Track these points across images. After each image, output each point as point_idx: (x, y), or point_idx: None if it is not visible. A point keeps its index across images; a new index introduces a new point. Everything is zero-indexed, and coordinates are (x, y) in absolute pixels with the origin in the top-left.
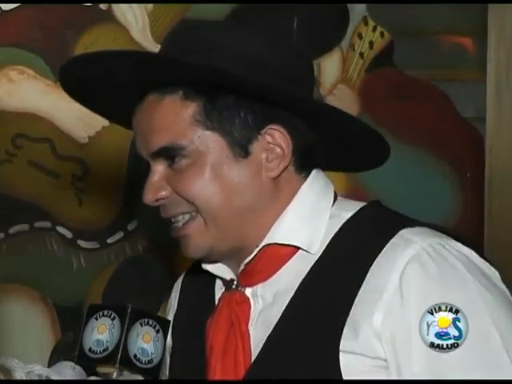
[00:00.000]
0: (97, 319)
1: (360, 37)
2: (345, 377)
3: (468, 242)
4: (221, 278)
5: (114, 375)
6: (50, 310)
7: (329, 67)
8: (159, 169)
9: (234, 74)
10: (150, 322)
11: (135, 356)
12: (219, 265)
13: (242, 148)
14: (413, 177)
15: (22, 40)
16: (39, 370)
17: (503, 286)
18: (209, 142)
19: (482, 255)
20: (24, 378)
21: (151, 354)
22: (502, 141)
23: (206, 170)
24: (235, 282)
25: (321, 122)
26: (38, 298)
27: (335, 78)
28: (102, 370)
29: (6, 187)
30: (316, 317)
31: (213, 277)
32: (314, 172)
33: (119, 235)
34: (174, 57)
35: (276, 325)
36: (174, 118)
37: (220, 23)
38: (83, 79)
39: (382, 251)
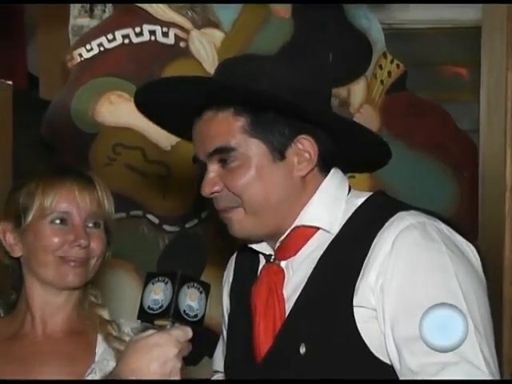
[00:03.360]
0: (153, 284)
1: (381, 67)
2: (358, 324)
3: (451, 224)
4: (261, 253)
5: (168, 326)
6: (142, 278)
7: (356, 91)
8: (214, 168)
9: (282, 98)
10: (195, 285)
11: (184, 311)
12: (261, 242)
13: (279, 153)
14: (421, 175)
15: (120, 71)
16: (140, 325)
17: (473, 258)
18: (254, 148)
19: (463, 233)
20: (130, 332)
21: (196, 309)
22: (492, 148)
23: (252, 170)
24: (273, 257)
25: (340, 132)
26: (133, 269)
27: (361, 99)
28: (158, 322)
29: (108, 185)
30: (335, 280)
31: (257, 253)
32: (332, 170)
33: (194, 221)
34: (237, 83)
35: (303, 288)
36: (227, 127)
37: (266, 57)
38: (154, 101)
39: (383, 227)
